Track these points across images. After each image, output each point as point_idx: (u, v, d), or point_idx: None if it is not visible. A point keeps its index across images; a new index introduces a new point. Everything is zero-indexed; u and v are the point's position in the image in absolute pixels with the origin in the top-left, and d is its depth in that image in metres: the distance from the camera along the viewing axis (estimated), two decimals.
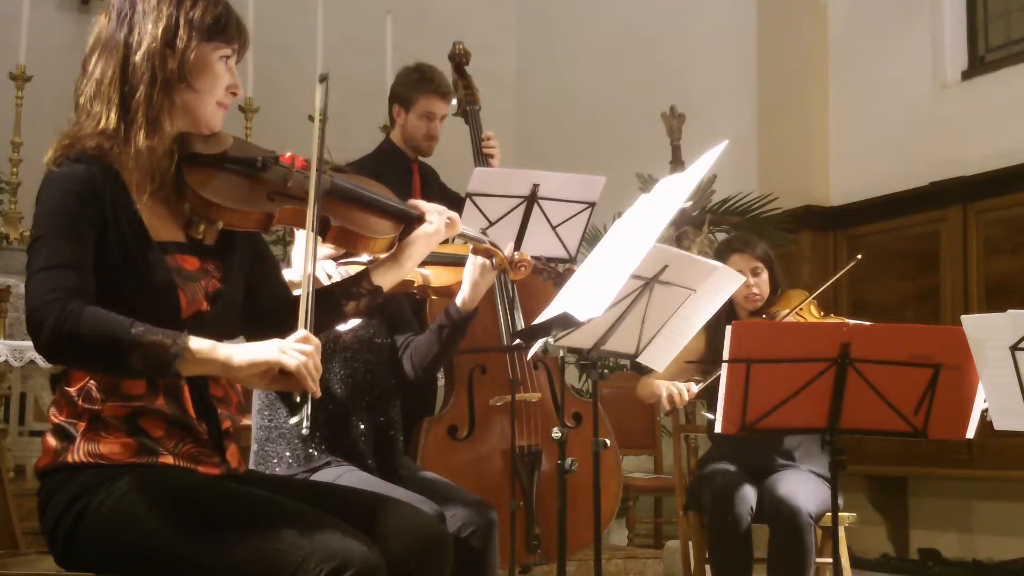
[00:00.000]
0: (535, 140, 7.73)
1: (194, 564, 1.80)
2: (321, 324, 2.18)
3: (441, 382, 3.96)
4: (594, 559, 2.66)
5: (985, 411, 2.64)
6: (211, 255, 2.02)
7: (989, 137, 5.54)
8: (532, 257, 2.58)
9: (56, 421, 1.91)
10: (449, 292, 2.89)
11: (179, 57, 1.92)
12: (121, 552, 1.85)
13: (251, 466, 2.80)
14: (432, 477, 2.92)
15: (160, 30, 1.92)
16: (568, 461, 2.73)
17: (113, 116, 1.91)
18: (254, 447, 2.85)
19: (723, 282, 2.69)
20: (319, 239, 2.03)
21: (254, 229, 2.02)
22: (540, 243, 3.42)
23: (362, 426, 2.87)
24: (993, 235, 5.44)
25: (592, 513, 2.66)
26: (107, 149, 1.89)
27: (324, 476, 2.71)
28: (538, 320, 2.53)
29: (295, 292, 2.11)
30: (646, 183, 5.45)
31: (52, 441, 1.90)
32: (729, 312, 3.54)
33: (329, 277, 2.72)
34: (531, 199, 3.40)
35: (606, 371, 5.72)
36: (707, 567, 3.50)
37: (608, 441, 2.68)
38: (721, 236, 5.63)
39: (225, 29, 1.97)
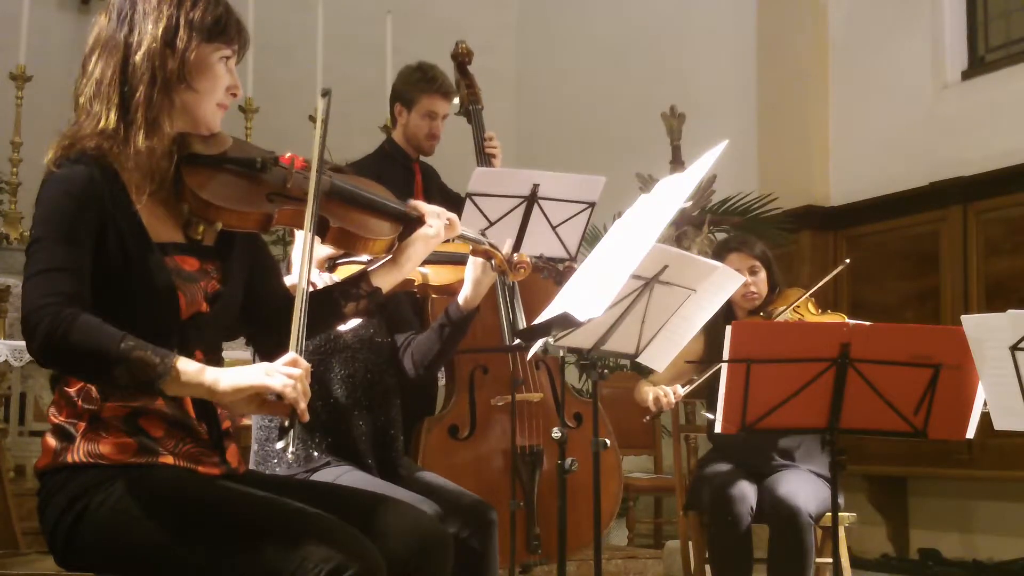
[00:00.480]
0: (535, 140, 7.73)
1: (194, 564, 1.80)
2: (320, 325, 2.19)
3: (442, 382, 3.96)
4: (594, 559, 2.66)
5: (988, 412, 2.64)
6: (210, 256, 2.02)
7: (989, 137, 5.53)
8: (532, 256, 2.58)
9: (56, 421, 1.91)
10: (449, 291, 2.89)
11: (179, 58, 1.92)
12: (121, 552, 1.85)
13: (251, 466, 2.80)
14: (432, 477, 2.92)
15: (160, 30, 1.92)
16: (568, 461, 2.73)
17: (113, 116, 1.90)
18: (254, 447, 2.85)
19: (723, 282, 2.69)
20: (318, 239, 2.03)
21: (253, 230, 2.01)
22: (540, 243, 3.42)
23: (362, 426, 2.87)
24: (993, 235, 5.44)
25: (592, 513, 2.67)
26: (106, 149, 1.89)
27: (324, 476, 2.71)
28: (538, 320, 2.53)
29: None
30: (646, 183, 5.45)
31: (52, 441, 1.90)
32: (727, 311, 3.54)
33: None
34: (531, 199, 3.40)
35: (606, 371, 5.71)
36: (707, 567, 3.50)
37: (608, 441, 2.68)
38: (721, 236, 5.62)
39: (225, 30, 1.97)
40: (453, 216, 2.22)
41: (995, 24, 5.97)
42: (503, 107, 7.51)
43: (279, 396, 1.77)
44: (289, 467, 2.77)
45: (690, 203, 5.30)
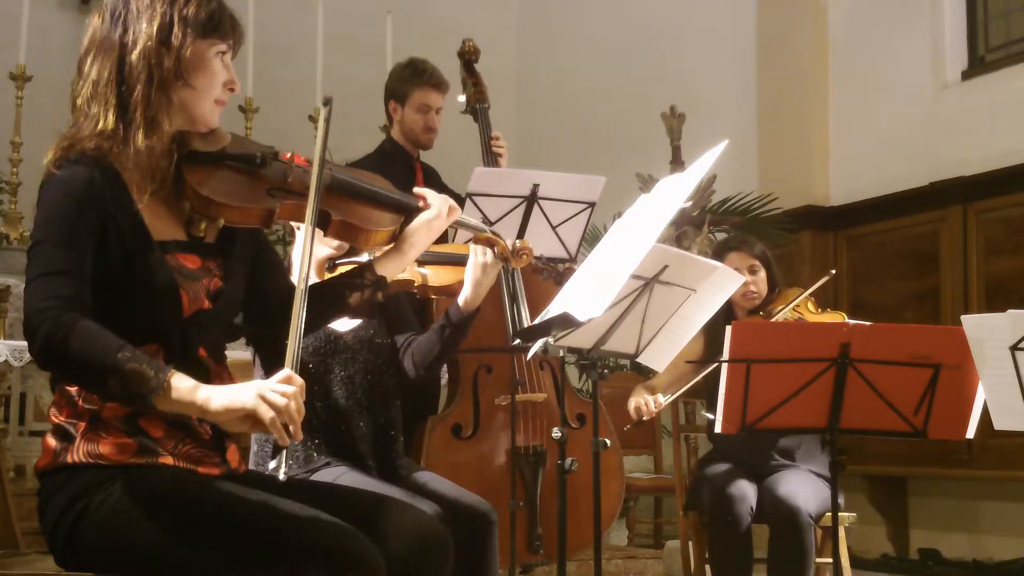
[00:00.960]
0: (535, 140, 7.73)
1: (193, 565, 1.80)
2: (326, 317, 2.19)
3: (443, 380, 3.96)
4: (594, 559, 2.66)
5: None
6: (212, 253, 2.02)
7: (989, 137, 5.53)
8: (533, 257, 2.58)
9: (56, 421, 1.91)
10: (449, 291, 2.89)
11: (175, 55, 1.92)
12: (121, 552, 1.85)
13: (251, 466, 2.80)
14: (433, 477, 2.92)
15: (155, 28, 1.92)
16: (568, 461, 2.73)
17: (111, 117, 1.90)
18: (254, 447, 2.85)
19: (723, 282, 2.69)
20: (320, 233, 2.03)
21: (255, 225, 2.02)
22: (540, 243, 3.42)
23: (362, 426, 2.87)
24: (993, 235, 5.43)
25: (594, 513, 2.67)
26: (106, 150, 1.89)
27: (324, 476, 2.71)
28: (538, 320, 2.53)
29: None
30: (646, 183, 5.45)
31: (52, 441, 1.90)
32: (727, 311, 3.54)
33: None
34: (531, 199, 3.40)
35: (606, 371, 5.72)
36: (707, 567, 3.50)
37: (608, 441, 2.68)
38: (721, 236, 5.62)
39: (220, 25, 1.97)
40: (453, 202, 2.22)
41: (995, 24, 5.97)
42: (503, 107, 7.49)
43: (266, 425, 1.74)
44: (289, 468, 2.77)
45: (690, 203, 5.30)
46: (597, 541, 2.71)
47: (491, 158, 4.06)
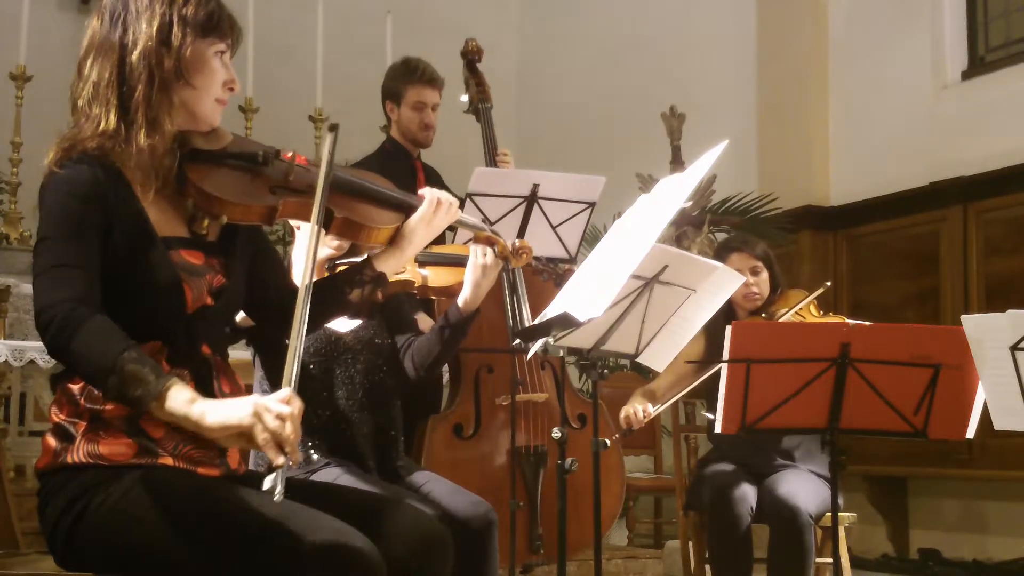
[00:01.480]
0: (535, 140, 7.73)
1: (193, 565, 1.80)
2: (326, 314, 2.19)
3: (444, 380, 3.96)
4: (594, 559, 2.66)
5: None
6: (214, 251, 2.02)
7: (989, 137, 5.53)
8: (533, 258, 2.58)
9: (57, 420, 1.91)
10: (449, 292, 2.89)
11: (175, 55, 1.93)
12: (120, 553, 1.85)
13: (250, 467, 2.80)
14: (433, 477, 2.92)
15: (155, 29, 1.92)
16: (568, 461, 2.73)
17: (112, 117, 1.91)
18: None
19: (723, 282, 2.69)
20: (323, 231, 2.03)
21: (258, 223, 2.02)
22: (540, 243, 3.42)
23: (362, 426, 2.87)
24: (993, 235, 5.43)
25: (594, 513, 2.67)
26: (108, 149, 1.90)
27: (323, 476, 2.71)
28: (538, 320, 2.53)
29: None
30: (646, 183, 5.45)
31: (52, 441, 1.90)
32: (728, 312, 3.54)
33: None
34: (531, 199, 3.40)
35: (606, 371, 5.72)
36: (707, 567, 3.50)
37: (608, 441, 2.68)
38: (721, 236, 5.62)
39: (219, 25, 1.98)
40: (453, 201, 2.22)
41: (995, 24, 5.97)
42: (504, 107, 7.49)
43: (259, 446, 1.73)
44: (289, 468, 2.77)
45: (690, 203, 5.30)
46: (597, 541, 2.71)
47: (494, 162, 4.06)
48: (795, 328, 3.20)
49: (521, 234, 3.40)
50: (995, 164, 5.40)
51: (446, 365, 3.64)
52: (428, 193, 2.19)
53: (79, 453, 1.86)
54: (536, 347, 2.73)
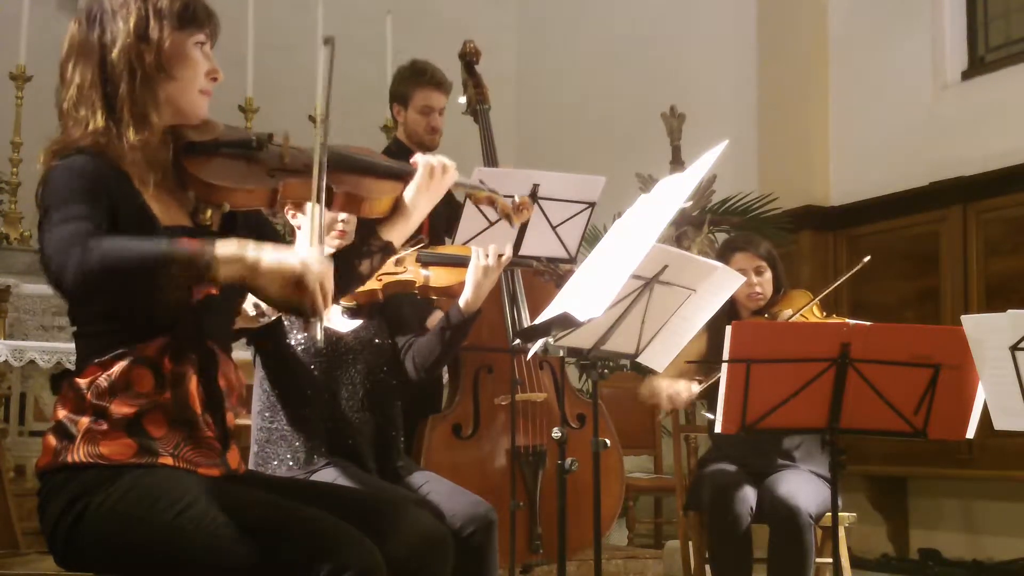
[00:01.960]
0: (535, 140, 7.73)
1: (193, 565, 1.81)
2: (338, 287, 2.18)
3: (444, 379, 3.96)
4: (594, 559, 2.66)
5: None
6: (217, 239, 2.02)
7: (989, 137, 5.53)
8: (534, 259, 2.59)
9: (59, 416, 1.91)
10: (450, 292, 2.89)
11: (155, 49, 1.93)
12: (121, 552, 1.85)
13: (251, 467, 2.80)
14: (433, 477, 2.92)
15: (132, 25, 1.93)
16: (568, 461, 2.73)
17: (100, 117, 1.92)
18: (254, 448, 2.85)
19: (723, 282, 2.69)
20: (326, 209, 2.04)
21: (261, 207, 2.02)
22: (540, 243, 3.42)
23: (363, 427, 2.87)
24: (993, 235, 5.43)
25: (593, 513, 2.67)
26: (103, 145, 1.90)
27: (324, 477, 2.71)
28: (538, 320, 2.53)
29: None
30: (646, 183, 5.45)
31: (52, 441, 1.90)
32: (731, 311, 3.54)
33: None
34: (531, 199, 3.39)
35: (606, 371, 5.71)
36: (707, 567, 3.50)
37: (608, 441, 2.68)
38: (721, 236, 5.62)
39: (195, 15, 1.99)
40: (448, 162, 2.22)
41: (995, 24, 5.96)
42: (503, 107, 7.51)
43: (308, 289, 1.76)
44: (289, 468, 2.78)
45: (690, 203, 5.29)
46: (597, 541, 2.71)
47: (493, 163, 4.07)
48: (795, 328, 3.20)
49: (521, 234, 3.40)
50: (995, 164, 5.40)
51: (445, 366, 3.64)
52: (421, 159, 2.18)
53: (79, 453, 1.87)
54: (536, 347, 2.73)
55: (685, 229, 5.69)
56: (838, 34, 6.37)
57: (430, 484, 2.85)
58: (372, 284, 2.76)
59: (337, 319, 2.90)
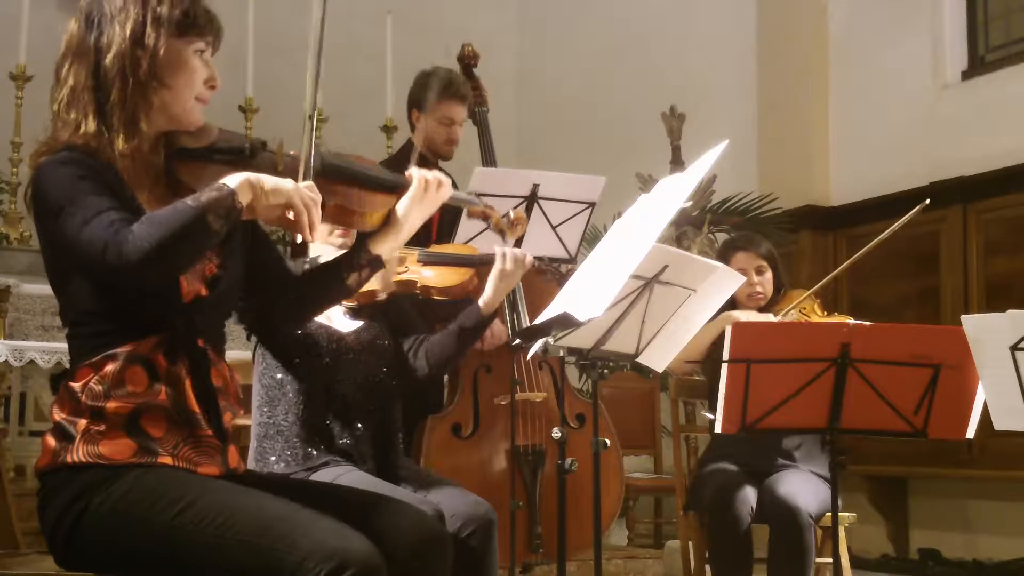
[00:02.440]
0: (535, 140, 7.73)
1: (193, 565, 1.81)
2: (325, 299, 2.22)
3: (445, 379, 3.95)
4: (594, 559, 2.66)
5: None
6: None
7: (989, 137, 5.53)
8: (536, 258, 2.59)
9: (57, 419, 1.91)
10: (452, 292, 2.90)
11: (150, 55, 1.92)
12: (121, 552, 1.85)
13: (250, 461, 2.81)
14: (432, 477, 2.92)
15: (128, 30, 1.92)
16: (568, 461, 2.74)
17: (92, 122, 1.91)
18: (253, 443, 2.85)
19: (723, 282, 2.69)
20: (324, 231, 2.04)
21: (252, 216, 2.01)
22: (540, 243, 3.42)
23: (362, 427, 2.87)
24: (993, 235, 5.43)
25: (593, 513, 2.67)
26: (94, 147, 1.90)
27: (323, 476, 2.71)
28: (538, 320, 2.53)
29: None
30: (646, 183, 5.45)
31: (52, 441, 1.90)
32: (732, 311, 3.54)
33: None
34: (531, 199, 3.40)
35: (606, 371, 5.72)
36: (707, 567, 3.49)
37: (608, 441, 2.68)
38: (721, 236, 5.62)
39: (195, 22, 1.97)
40: (444, 177, 2.21)
41: (995, 24, 5.97)
42: (503, 107, 7.51)
43: (297, 213, 1.89)
44: (288, 465, 2.78)
45: (690, 203, 5.29)
46: (597, 541, 2.71)
47: (492, 163, 4.07)
48: (795, 328, 3.20)
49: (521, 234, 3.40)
50: (995, 164, 5.40)
51: None
52: (416, 173, 2.18)
53: (79, 453, 1.86)
54: (536, 347, 2.73)
55: (685, 229, 5.69)
56: (838, 34, 6.38)
57: (430, 484, 2.84)
58: (374, 284, 2.76)
59: (338, 319, 2.90)
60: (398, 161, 4.06)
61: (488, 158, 4.08)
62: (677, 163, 5.86)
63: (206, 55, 2.00)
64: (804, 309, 3.52)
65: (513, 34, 8.46)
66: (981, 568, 5.28)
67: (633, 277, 2.46)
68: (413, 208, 2.16)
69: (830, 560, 3.03)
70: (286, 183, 1.89)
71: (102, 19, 1.94)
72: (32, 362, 4.21)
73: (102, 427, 1.87)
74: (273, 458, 2.79)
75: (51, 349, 4.21)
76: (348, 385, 2.88)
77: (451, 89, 4.02)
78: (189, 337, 1.95)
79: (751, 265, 3.65)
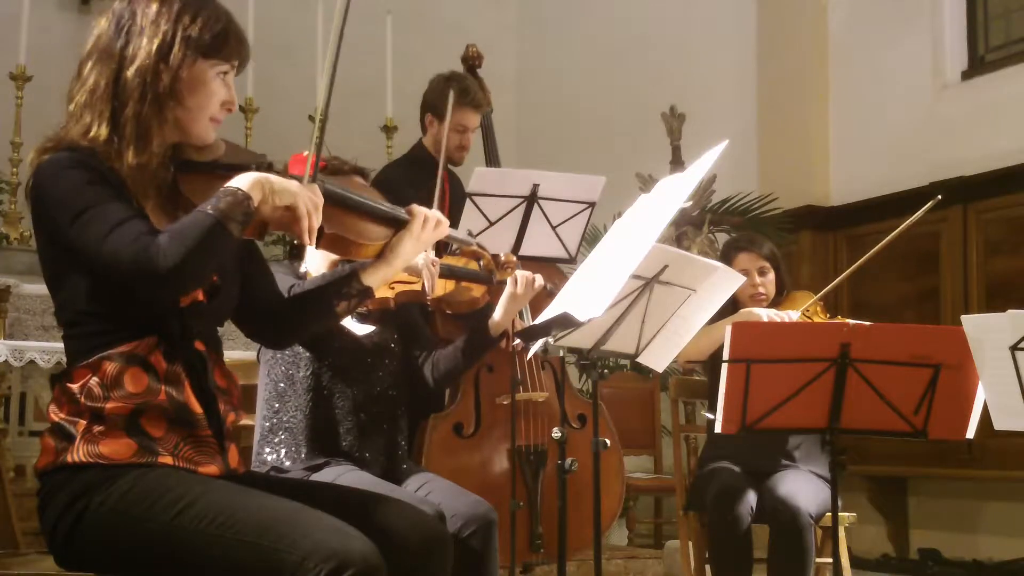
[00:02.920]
0: (535, 140, 7.73)
1: (193, 564, 1.81)
2: (313, 323, 2.23)
3: None
4: (594, 559, 2.67)
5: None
6: None
7: (989, 137, 5.53)
8: (544, 283, 2.65)
9: (56, 419, 1.91)
10: (461, 308, 2.92)
11: (172, 74, 1.91)
12: (121, 552, 1.85)
13: (253, 455, 2.82)
14: (433, 477, 2.92)
15: (155, 46, 1.91)
16: (568, 461, 2.74)
17: (104, 129, 1.90)
18: (257, 436, 2.85)
19: (723, 282, 2.69)
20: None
21: (249, 236, 2.00)
22: (540, 243, 3.43)
23: (366, 428, 2.87)
24: (993, 235, 5.43)
25: (594, 513, 2.67)
26: (101, 151, 1.89)
27: (324, 476, 2.71)
28: (538, 320, 2.53)
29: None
30: (646, 183, 5.45)
31: (51, 441, 1.90)
32: (734, 312, 3.54)
33: None
34: (531, 199, 3.40)
35: (606, 371, 5.72)
36: (707, 567, 3.49)
37: (608, 441, 2.68)
38: (721, 236, 5.63)
39: (224, 45, 1.96)
40: (442, 218, 2.21)
41: (995, 24, 5.96)
42: (503, 107, 7.51)
43: (299, 216, 1.91)
44: (293, 461, 2.78)
45: (690, 203, 5.30)
46: (597, 541, 2.71)
47: (494, 163, 4.07)
48: (795, 328, 3.20)
49: (521, 234, 3.41)
50: (995, 164, 5.40)
51: None
52: (417, 210, 2.18)
53: (79, 452, 1.86)
54: (536, 347, 2.74)
55: (685, 229, 5.69)
56: (838, 34, 6.37)
57: (430, 484, 2.85)
58: (385, 292, 2.78)
59: (350, 322, 2.90)
60: (404, 166, 4.07)
61: (492, 159, 4.09)
62: (677, 163, 5.86)
63: (228, 77, 1.99)
64: (807, 312, 3.52)
65: (513, 34, 8.46)
66: (981, 568, 5.28)
67: (633, 277, 2.46)
68: (409, 244, 2.15)
69: (830, 560, 3.03)
70: (292, 184, 1.91)
71: (131, 28, 1.93)
72: (32, 362, 4.21)
73: (102, 427, 1.87)
74: (275, 455, 2.79)
75: (51, 349, 4.21)
76: (359, 387, 2.88)
77: (468, 98, 4.02)
78: (186, 340, 1.95)
79: (753, 266, 3.65)
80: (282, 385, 2.83)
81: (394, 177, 3.98)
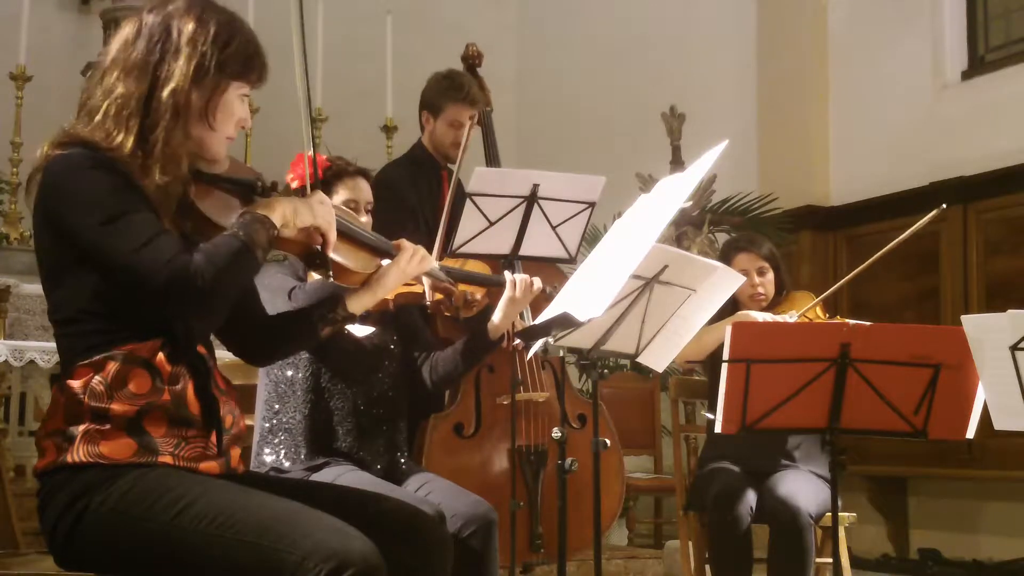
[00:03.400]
0: (535, 140, 7.73)
1: (193, 564, 1.81)
2: (296, 344, 2.31)
3: None
4: (594, 559, 2.67)
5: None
6: None
7: (989, 137, 5.53)
8: (545, 287, 2.69)
9: (55, 421, 1.90)
10: (459, 312, 2.92)
11: (206, 99, 1.93)
12: (121, 552, 1.85)
13: (252, 455, 2.82)
14: (433, 477, 2.93)
15: (192, 68, 1.91)
16: (568, 461, 2.74)
17: (130, 143, 1.89)
18: (256, 436, 2.86)
19: (723, 282, 2.69)
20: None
21: None
22: (540, 243, 3.42)
23: (367, 428, 2.88)
24: (993, 235, 5.43)
25: (594, 513, 2.67)
26: (123, 161, 1.88)
27: (324, 476, 2.71)
28: (539, 320, 2.53)
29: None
30: (646, 183, 5.45)
31: (51, 442, 1.90)
32: (733, 312, 3.54)
33: None
34: (531, 199, 3.39)
35: (606, 371, 5.72)
36: (707, 567, 3.49)
37: (608, 441, 2.69)
38: (721, 236, 5.63)
39: (252, 69, 2.00)
40: (425, 253, 2.28)
41: (995, 24, 5.97)
42: (503, 107, 7.50)
43: (326, 235, 2.00)
44: (293, 461, 2.78)
45: (690, 203, 5.30)
46: (597, 541, 2.71)
47: (494, 162, 4.07)
48: (795, 328, 3.19)
49: (521, 234, 3.41)
50: (995, 164, 5.40)
51: None
52: (405, 244, 2.24)
53: (79, 452, 1.86)
54: (536, 347, 2.74)
55: (685, 229, 5.69)
56: (838, 34, 6.38)
57: (430, 484, 2.85)
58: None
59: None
60: (403, 166, 4.08)
61: (492, 159, 4.09)
62: (677, 163, 5.86)
63: (247, 98, 2.01)
64: (804, 316, 3.52)
65: (513, 34, 8.46)
66: (981, 568, 5.28)
67: (633, 277, 2.46)
68: (394, 275, 2.23)
69: (830, 560, 3.03)
70: (307, 205, 1.97)
71: (166, 46, 1.92)
72: (32, 362, 4.21)
73: (105, 427, 1.87)
74: (274, 456, 2.79)
75: (51, 349, 4.21)
76: (359, 388, 2.88)
77: (461, 93, 4.03)
78: (189, 343, 1.95)
79: (753, 266, 3.65)
80: (282, 386, 2.83)
81: (394, 177, 3.98)
